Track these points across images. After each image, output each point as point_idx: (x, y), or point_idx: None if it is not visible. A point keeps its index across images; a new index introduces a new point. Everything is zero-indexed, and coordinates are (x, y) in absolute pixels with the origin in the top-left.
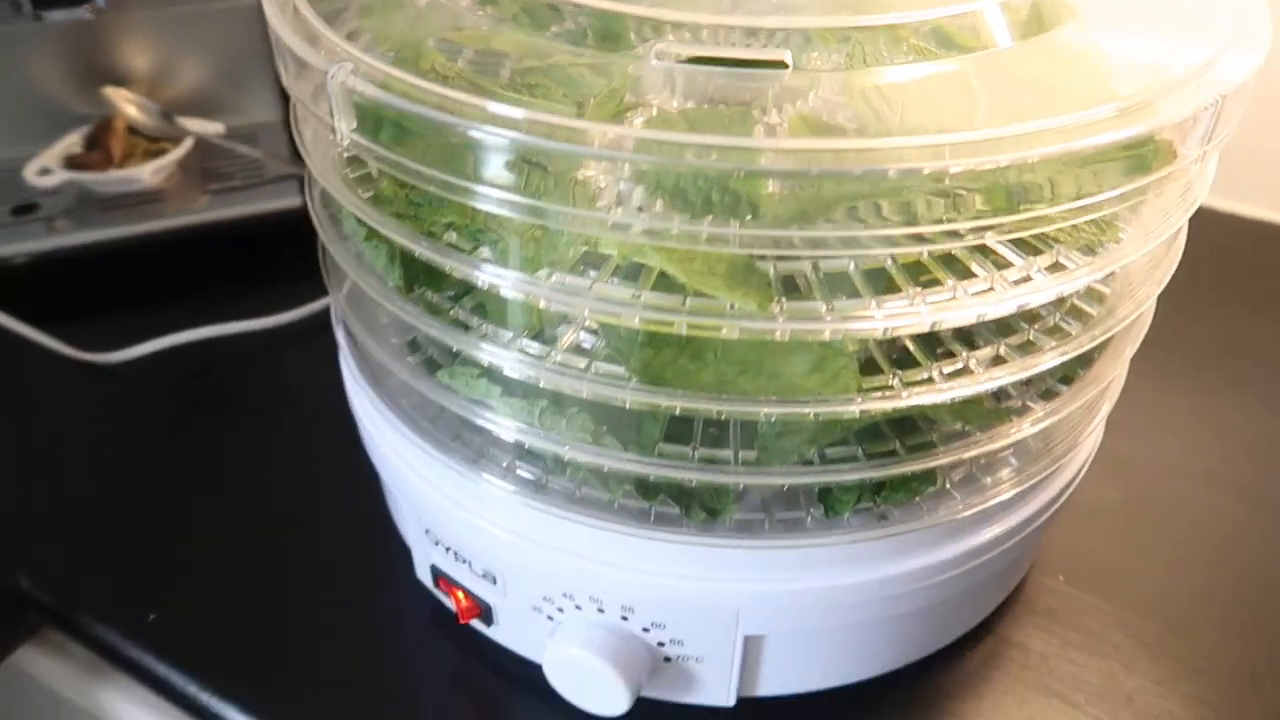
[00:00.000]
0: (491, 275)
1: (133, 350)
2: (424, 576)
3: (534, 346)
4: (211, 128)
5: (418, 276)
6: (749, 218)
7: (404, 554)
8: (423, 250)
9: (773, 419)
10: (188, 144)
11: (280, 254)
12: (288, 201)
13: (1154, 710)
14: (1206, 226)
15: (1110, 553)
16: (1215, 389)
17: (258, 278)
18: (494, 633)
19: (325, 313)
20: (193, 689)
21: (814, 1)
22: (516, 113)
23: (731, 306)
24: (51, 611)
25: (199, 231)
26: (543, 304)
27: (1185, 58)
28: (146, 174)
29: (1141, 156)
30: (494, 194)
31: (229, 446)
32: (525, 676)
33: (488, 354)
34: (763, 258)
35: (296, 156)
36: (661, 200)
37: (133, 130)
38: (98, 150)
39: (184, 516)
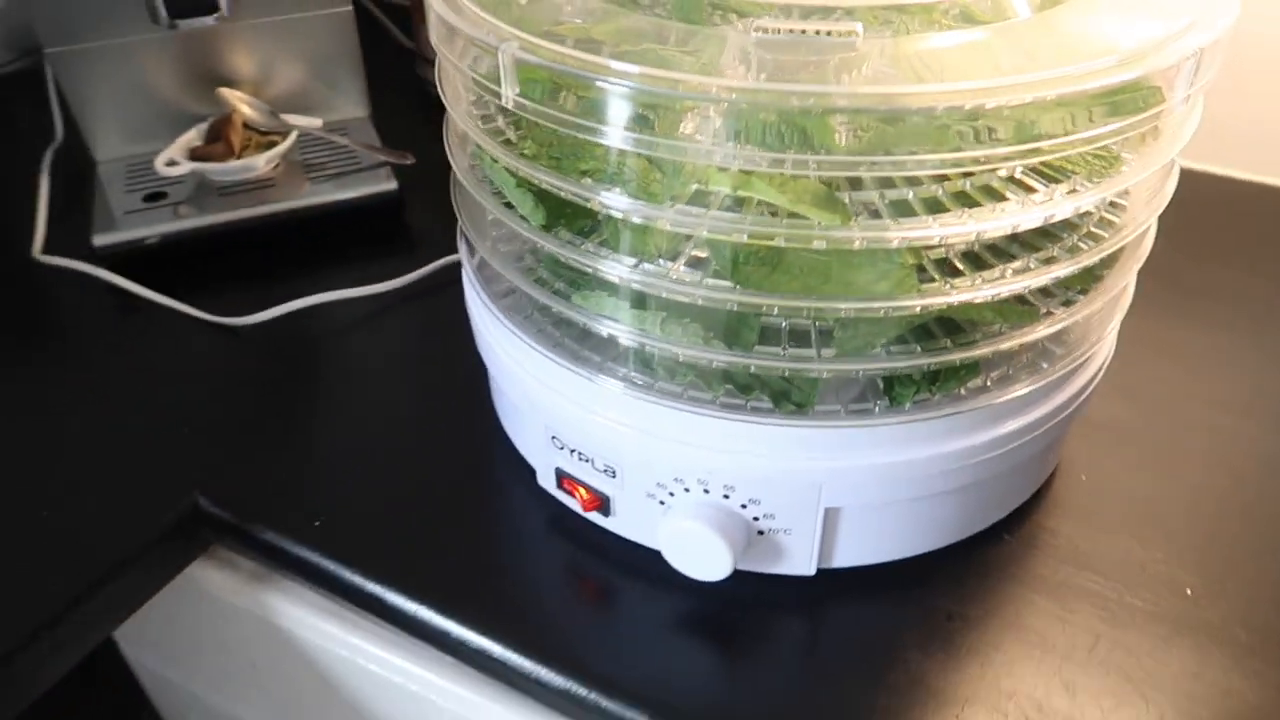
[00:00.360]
0: (627, 206)
1: (259, 315)
2: (547, 483)
3: (657, 267)
4: (312, 122)
5: (557, 216)
6: (823, 153)
7: (521, 472)
8: (572, 190)
9: (848, 317)
10: (293, 137)
11: (375, 231)
12: (379, 186)
13: (1162, 575)
14: (1203, 187)
15: (1124, 458)
16: (1211, 326)
17: (355, 254)
18: (611, 523)
19: (419, 281)
20: (356, 578)
21: None
22: (655, 71)
23: (819, 225)
24: (229, 526)
25: (305, 213)
26: (667, 227)
27: (1171, 24)
28: (261, 163)
29: (1136, 99)
30: (630, 137)
31: (356, 388)
32: (636, 563)
33: (619, 276)
34: (838, 189)
35: (385, 146)
36: (753, 140)
37: (245, 126)
38: (219, 143)
39: (330, 444)
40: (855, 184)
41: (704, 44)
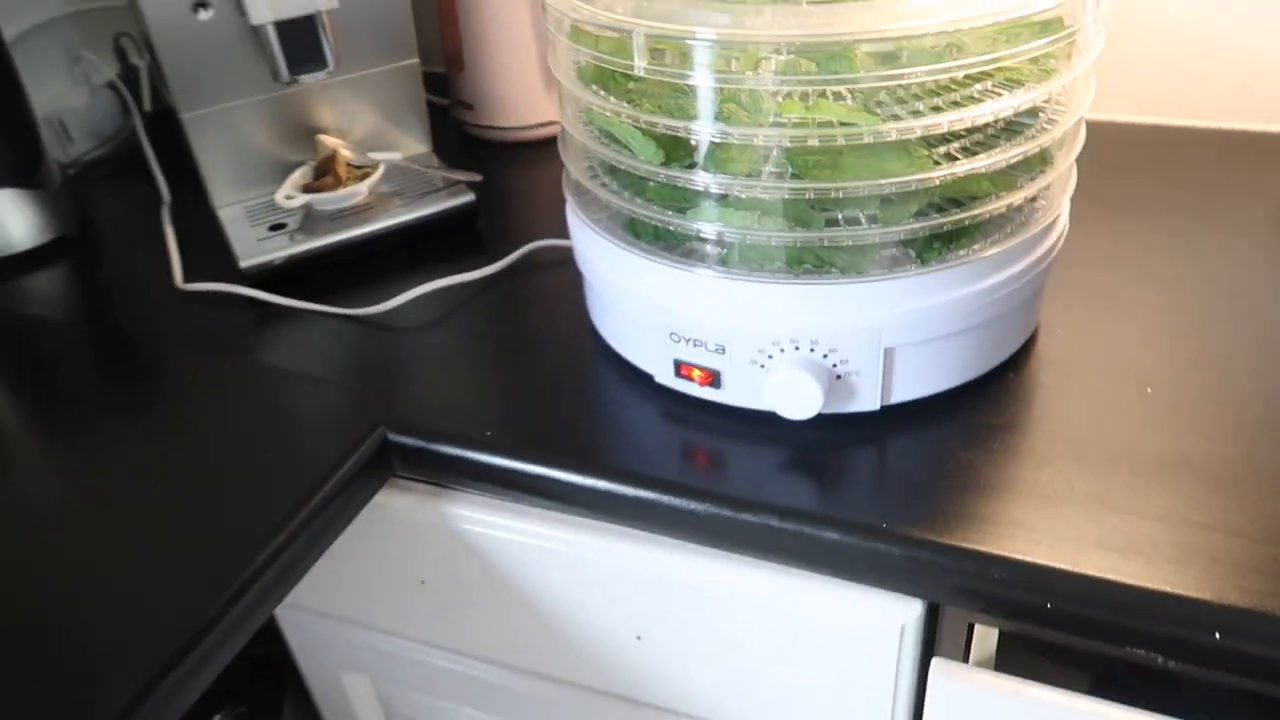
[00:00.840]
0: (732, 136)
1: (383, 304)
2: (664, 377)
3: (748, 180)
4: (393, 156)
5: (671, 153)
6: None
7: (634, 380)
8: (693, 133)
9: (887, 194)
10: (382, 168)
11: (455, 238)
12: (460, 200)
13: (1125, 384)
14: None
15: (1086, 317)
16: (1132, 222)
17: (444, 255)
18: (721, 395)
19: (504, 270)
20: (528, 466)
21: None
22: (731, 32)
23: (865, 127)
24: (415, 450)
25: (401, 228)
26: (760, 142)
27: None
28: (364, 190)
29: (1056, 25)
30: (727, 81)
31: (481, 343)
32: (741, 423)
33: (728, 189)
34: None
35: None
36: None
37: None
38: (327, 177)
39: (476, 382)
40: (883, 102)
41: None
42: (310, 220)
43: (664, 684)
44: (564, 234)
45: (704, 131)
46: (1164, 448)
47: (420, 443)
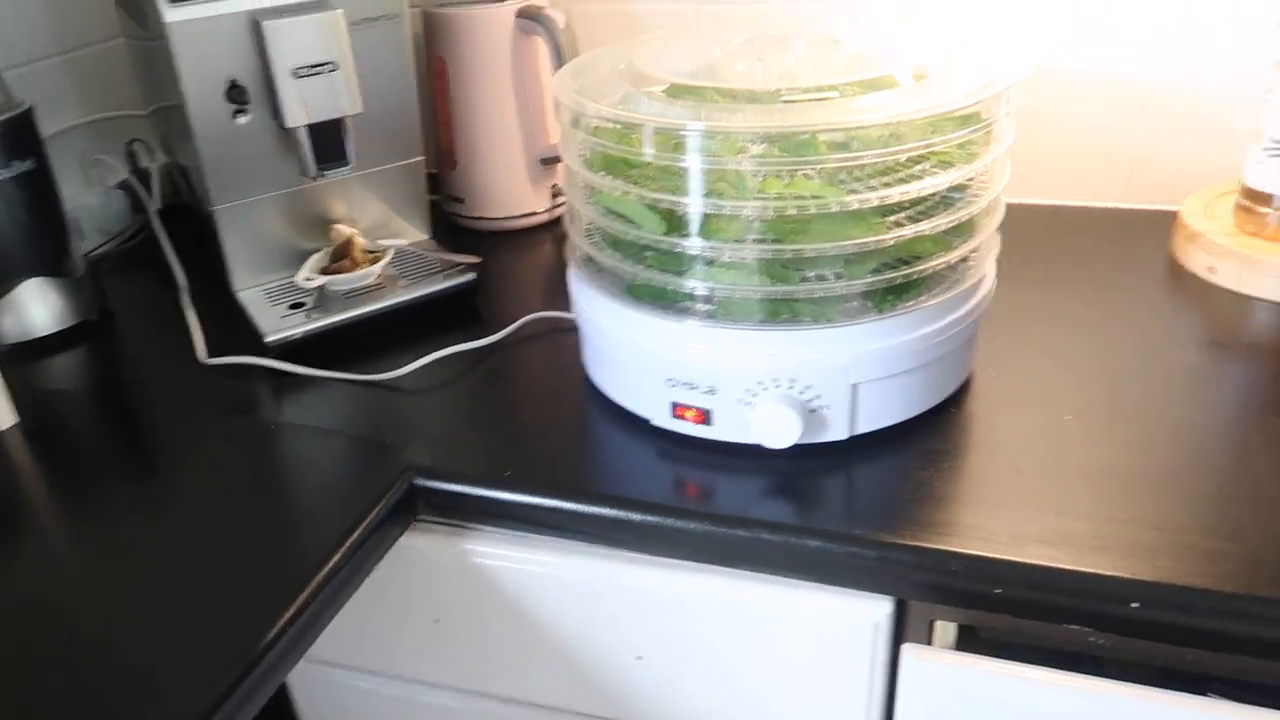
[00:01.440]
0: (723, 209)
1: (399, 370)
2: (660, 419)
3: (738, 245)
4: (400, 242)
5: (671, 224)
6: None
7: (629, 426)
8: (691, 207)
9: (849, 253)
10: (391, 253)
11: (454, 313)
12: (462, 279)
13: (1046, 410)
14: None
15: (1015, 358)
16: (1049, 283)
17: (448, 327)
18: (712, 431)
19: (505, 338)
20: (545, 500)
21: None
22: (720, 124)
23: (831, 199)
24: (441, 492)
25: (409, 304)
26: (746, 213)
27: (995, 77)
28: (377, 271)
29: (976, 119)
30: (718, 164)
31: (491, 399)
32: (729, 455)
33: (719, 253)
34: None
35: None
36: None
37: None
38: (345, 260)
39: (492, 432)
40: (843, 179)
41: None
42: (326, 299)
43: (662, 702)
44: (554, 307)
45: (699, 206)
46: (1084, 460)
47: (445, 485)
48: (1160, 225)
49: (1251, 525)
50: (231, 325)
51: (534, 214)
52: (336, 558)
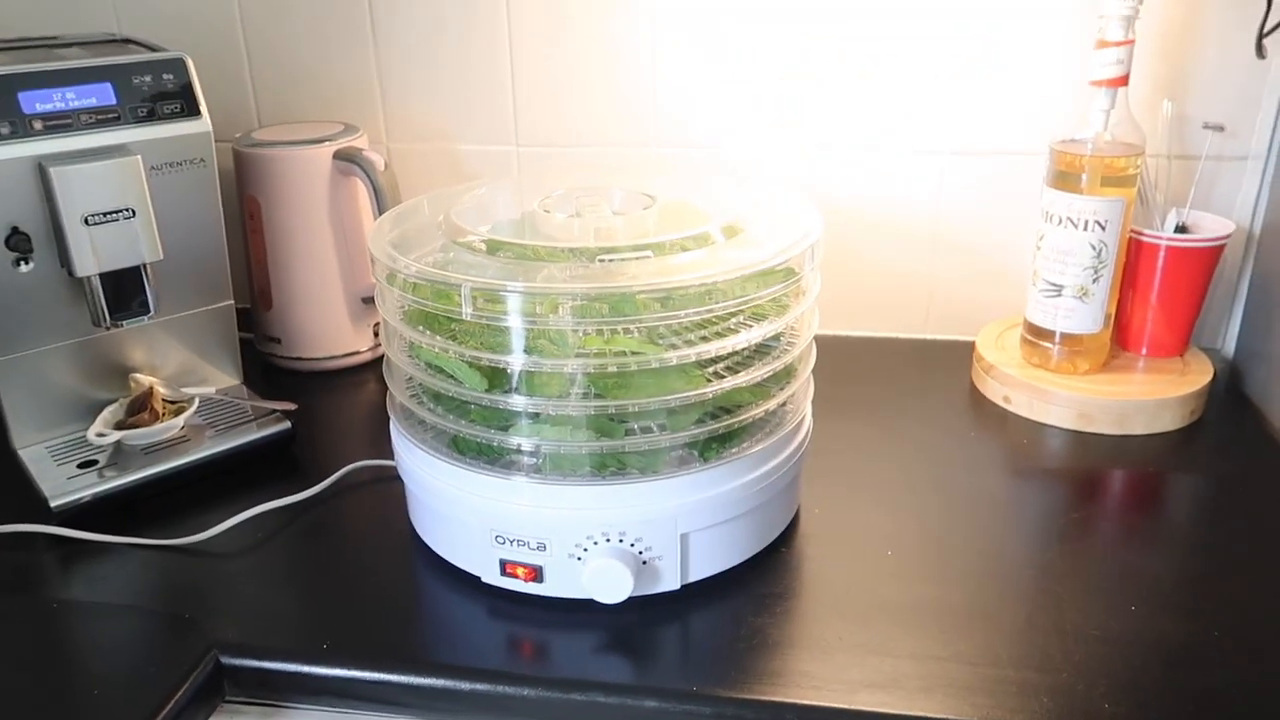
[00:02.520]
0: (545, 366)
1: (204, 533)
2: (490, 576)
3: (559, 399)
4: (207, 390)
5: (493, 381)
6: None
7: (461, 585)
8: (513, 364)
9: (670, 407)
10: (196, 402)
11: (270, 463)
12: (276, 428)
13: (869, 549)
14: (842, 345)
15: (837, 496)
16: (862, 417)
17: (261, 480)
18: (544, 588)
19: (324, 490)
20: (368, 674)
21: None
22: (539, 286)
23: (651, 355)
24: (253, 670)
25: (216, 458)
26: (567, 371)
27: (796, 238)
28: (180, 424)
29: (786, 274)
30: (536, 322)
31: (309, 566)
32: (564, 617)
33: (543, 409)
34: (659, 336)
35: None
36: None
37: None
38: (144, 413)
39: (307, 602)
40: (662, 335)
41: (569, 264)
42: (122, 455)
43: None
44: (377, 454)
45: (521, 363)
46: (905, 597)
47: (256, 663)
48: (960, 354)
49: (1060, 655)
50: (9, 488)
51: (356, 353)
52: None
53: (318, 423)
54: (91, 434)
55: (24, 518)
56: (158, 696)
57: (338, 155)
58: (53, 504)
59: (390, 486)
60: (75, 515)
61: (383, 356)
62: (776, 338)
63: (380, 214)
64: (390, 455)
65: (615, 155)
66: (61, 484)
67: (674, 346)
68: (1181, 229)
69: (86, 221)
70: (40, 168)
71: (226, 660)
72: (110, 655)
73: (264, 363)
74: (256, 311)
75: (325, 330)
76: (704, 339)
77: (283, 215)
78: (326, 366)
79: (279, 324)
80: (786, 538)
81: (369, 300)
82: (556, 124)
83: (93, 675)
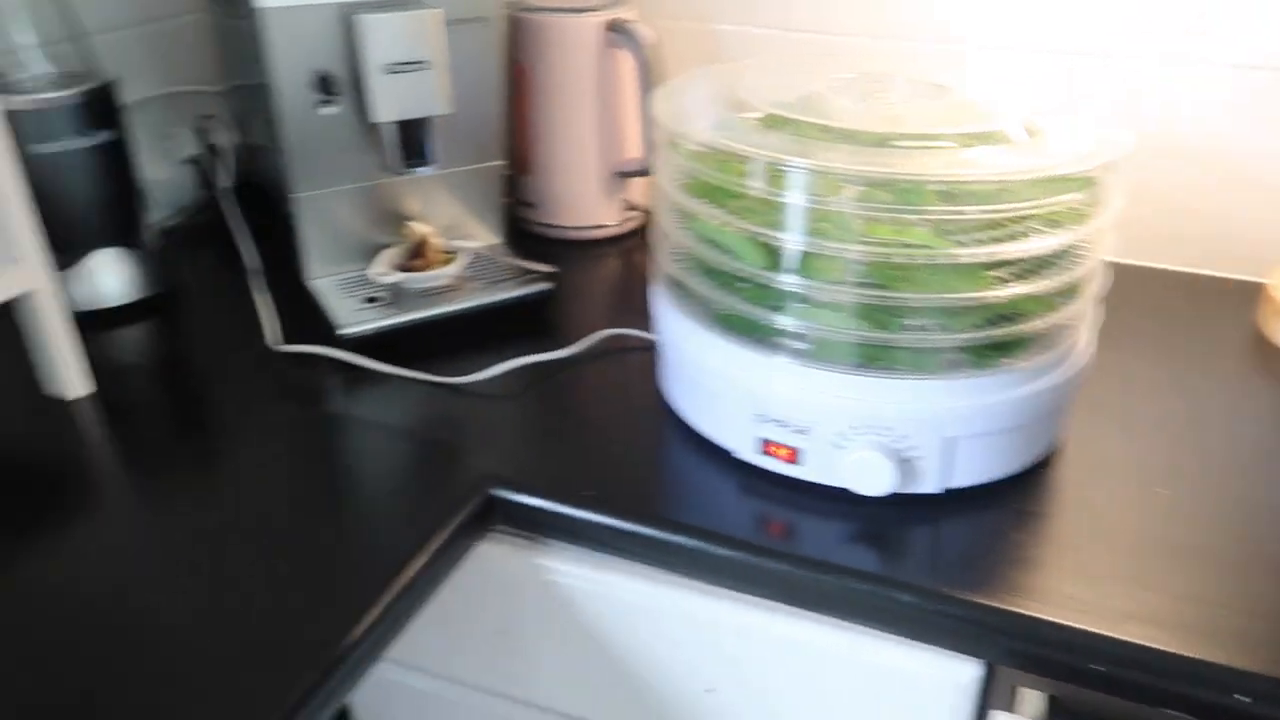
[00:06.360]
0: (827, 249)
1: (476, 375)
2: (747, 455)
3: (840, 287)
4: (476, 245)
5: (772, 260)
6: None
7: (714, 458)
8: (794, 244)
9: (952, 306)
10: (467, 255)
11: (528, 320)
12: (538, 286)
13: (1135, 487)
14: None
15: (1106, 431)
16: (1148, 354)
17: (523, 334)
18: (800, 470)
19: (584, 351)
20: (628, 525)
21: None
22: (826, 164)
23: (940, 249)
24: (518, 504)
25: (482, 309)
26: (851, 256)
27: (1105, 146)
28: (453, 271)
29: (1085, 183)
30: (824, 204)
31: (570, 414)
32: (817, 503)
33: (818, 293)
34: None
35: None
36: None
37: None
38: (420, 258)
39: (573, 447)
40: (949, 231)
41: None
42: (400, 296)
43: None
44: (627, 324)
45: (804, 244)
46: (1179, 538)
47: (526, 499)
48: (1247, 295)
49: None
50: (301, 313)
51: (604, 226)
52: (419, 563)
53: (568, 288)
54: (374, 273)
55: (316, 341)
56: (437, 518)
57: (610, 27)
58: (341, 331)
59: (640, 356)
60: (357, 344)
61: (630, 232)
62: (1067, 250)
63: (646, 89)
64: (640, 326)
65: (888, 49)
66: (350, 315)
67: (961, 245)
68: None
69: (387, 70)
70: (347, 16)
71: (498, 493)
72: (392, 473)
73: (516, 226)
74: (516, 175)
75: (578, 200)
76: (996, 240)
77: (549, 82)
78: (574, 236)
79: (535, 190)
80: (1051, 460)
81: (625, 175)
82: (829, 10)
83: (377, 488)
